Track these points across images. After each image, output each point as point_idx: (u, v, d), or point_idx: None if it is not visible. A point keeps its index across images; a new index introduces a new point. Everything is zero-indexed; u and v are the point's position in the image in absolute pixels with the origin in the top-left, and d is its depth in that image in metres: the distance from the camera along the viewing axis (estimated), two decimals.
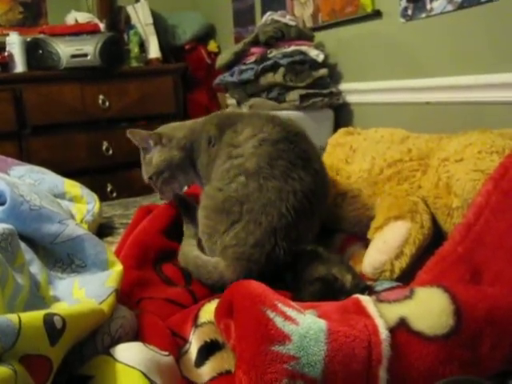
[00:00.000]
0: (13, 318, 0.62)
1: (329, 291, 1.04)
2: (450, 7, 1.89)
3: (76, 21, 3.17)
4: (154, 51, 3.35)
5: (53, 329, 0.67)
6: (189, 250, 1.23)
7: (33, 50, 2.92)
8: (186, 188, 1.49)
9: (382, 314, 0.78)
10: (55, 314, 0.69)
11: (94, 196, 1.64)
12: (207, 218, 1.20)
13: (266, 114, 1.31)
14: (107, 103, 3.02)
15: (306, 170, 1.17)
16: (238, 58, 2.64)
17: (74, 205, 1.52)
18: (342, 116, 2.52)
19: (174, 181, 1.40)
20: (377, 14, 2.27)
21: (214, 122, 1.34)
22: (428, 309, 0.79)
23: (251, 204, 1.13)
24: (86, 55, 2.91)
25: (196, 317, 0.93)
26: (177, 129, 1.40)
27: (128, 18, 3.38)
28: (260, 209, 1.13)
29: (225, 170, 1.20)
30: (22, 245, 0.94)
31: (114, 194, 2.97)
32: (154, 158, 1.38)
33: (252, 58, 2.54)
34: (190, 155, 1.36)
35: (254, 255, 1.11)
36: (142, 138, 1.39)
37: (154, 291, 1.11)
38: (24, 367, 0.61)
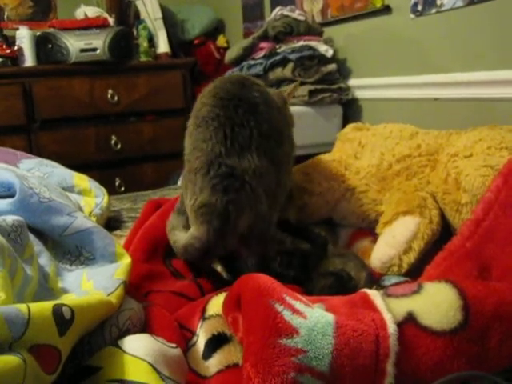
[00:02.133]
0: (22, 307, 0.63)
1: (341, 288, 1.04)
2: (460, 3, 1.88)
3: (85, 15, 3.17)
4: (163, 46, 3.35)
5: (62, 319, 0.67)
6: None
7: (42, 44, 2.92)
8: None
9: (389, 309, 0.78)
10: (64, 305, 0.69)
11: (103, 189, 1.65)
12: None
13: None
14: (116, 97, 3.03)
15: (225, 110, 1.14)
16: (247, 52, 2.64)
17: (83, 198, 1.53)
18: (351, 112, 2.51)
19: None
20: (386, 10, 2.26)
21: None
22: (436, 304, 0.79)
23: (186, 156, 1.17)
24: (95, 49, 2.91)
25: (204, 310, 0.93)
26: None
27: (137, 13, 3.38)
28: (189, 155, 1.15)
29: None
30: (31, 237, 0.94)
31: (122, 189, 2.98)
32: None
33: (261, 53, 2.54)
34: None
35: (204, 201, 1.09)
36: None
37: (163, 284, 1.11)
38: (33, 357, 0.61)
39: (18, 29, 2.95)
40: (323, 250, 1.18)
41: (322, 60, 2.45)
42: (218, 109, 1.14)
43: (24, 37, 2.90)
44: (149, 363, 0.73)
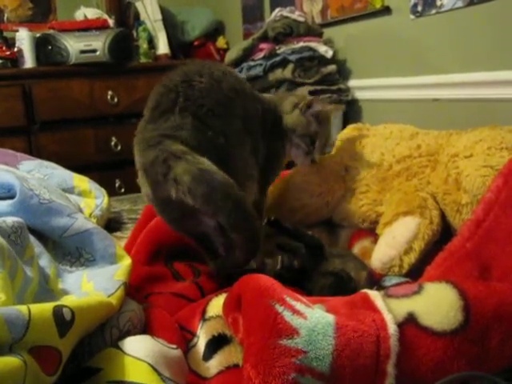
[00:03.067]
0: (23, 309, 0.63)
1: (340, 288, 1.04)
2: (460, 3, 1.88)
3: (85, 17, 3.18)
4: (162, 47, 3.35)
5: (62, 320, 0.67)
6: None
7: (42, 45, 2.93)
8: None
9: (390, 309, 0.78)
10: (64, 306, 0.69)
11: (103, 191, 1.65)
12: None
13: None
14: (116, 99, 3.03)
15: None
16: (247, 54, 2.65)
17: (83, 199, 1.53)
18: (351, 112, 2.51)
19: None
20: (386, 10, 2.26)
21: None
22: (436, 304, 0.79)
23: None
24: (94, 51, 2.91)
25: (204, 311, 0.93)
26: None
27: (137, 14, 3.39)
28: None
29: None
30: (32, 238, 0.94)
31: (122, 190, 2.98)
32: None
33: (261, 54, 2.54)
34: None
35: (140, 167, 1.10)
36: None
37: (163, 286, 1.11)
38: (33, 358, 0.61)
39: (17, 30, 2.96)
40: (321, 251, 1.18)
41: (322, 61, 2.45)
42: (161, 83, 1.18)
43: (24, 38, 2.90)
44: (149, 364, 0.73)
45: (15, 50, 2.94)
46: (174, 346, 0.82)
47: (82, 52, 2.90)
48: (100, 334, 0.80)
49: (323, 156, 1.49)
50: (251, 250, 1.06)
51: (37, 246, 0.95)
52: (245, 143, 1.18)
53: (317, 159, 1.40)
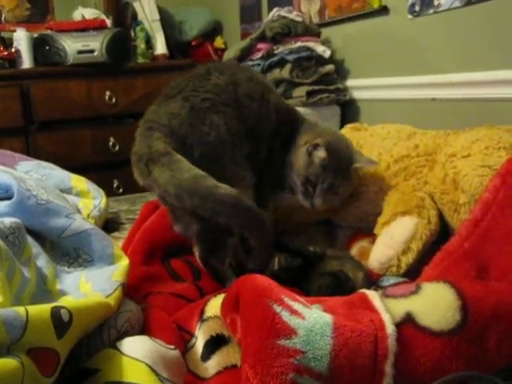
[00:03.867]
0: (20, 310, 0.62)
1: (338, 288, 1.04)
2: (457, 3, 1.88)
3: (83, 17, 3.17)
4: (160, 47, 3.35)
5: (60, 322, 0.67)
6: None
7: (40, 45, 2.92)
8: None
9: (388, 309, 0.78)
10: (62, 307, 0.69)
11: (101, 191, 1.65)
12: None
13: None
14: (114, 99, 3.02)
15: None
16: (245, 54, 2.64)
17: (81, 200, 1.52)
18: (349, 112, 2.51)
19: None
20: (384, 10, 2.26)
21: None
22: (434, 304, 0.79)
23: None
24: (92, 51, 2.91)
25: (202, 311, 0.93)
26: None
27: (134, 14, 3.38)
28: None
29: None
30: (29, 239, 0.94)
31: (121, 190, 2.98)
32: None
33: (259, 54, 2.54)
34: None
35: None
36: None
37: (162, 286, 1.11)
38: (31, 360, 0.61)
39: (15, 31, 2.95)
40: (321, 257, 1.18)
41: (320, 61, 2.45)
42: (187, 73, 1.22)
43: (21, 39, 2.89)
44: (147, 365, 0.73)
45: (13, 50, 2.93)
46: (172, 347, 0.82)
47: (80, 52, 2.89)
48: (98, 335, 0.80)
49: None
50: (257, 230, 1.06)
51: (34, 247, 0.95)
52: (241, 147, 1.18)
53: (317, 205, 1.25)
